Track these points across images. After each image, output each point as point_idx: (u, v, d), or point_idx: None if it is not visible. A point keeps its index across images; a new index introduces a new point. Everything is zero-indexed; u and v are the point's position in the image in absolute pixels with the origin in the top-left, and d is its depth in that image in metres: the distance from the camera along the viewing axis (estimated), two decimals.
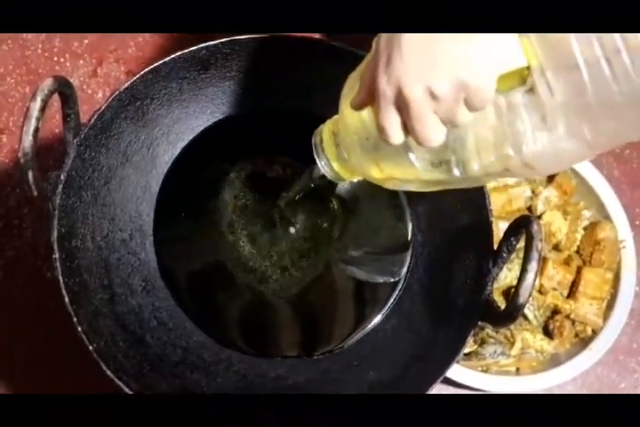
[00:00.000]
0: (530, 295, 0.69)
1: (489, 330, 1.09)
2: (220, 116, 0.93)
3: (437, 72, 0.50)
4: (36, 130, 0.68)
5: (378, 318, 0.89)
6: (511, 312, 0.70)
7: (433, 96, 0.51)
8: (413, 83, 0.51)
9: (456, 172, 0.61)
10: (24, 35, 1.30)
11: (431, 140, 0.54)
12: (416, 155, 0.62)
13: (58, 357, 1.10)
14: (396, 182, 0.69)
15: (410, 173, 0.65)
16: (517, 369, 1.11)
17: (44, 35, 1.30)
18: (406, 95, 0.52)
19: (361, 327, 0.89)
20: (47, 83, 0.69)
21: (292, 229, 0.90)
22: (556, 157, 0.55)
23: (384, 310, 0.89)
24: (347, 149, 0.69)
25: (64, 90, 0.73)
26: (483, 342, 1.09)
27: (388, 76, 0.52)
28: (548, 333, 1.12)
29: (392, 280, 0.90)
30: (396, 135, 0.56)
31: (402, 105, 0.53)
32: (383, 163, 0.66)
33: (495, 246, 0.80)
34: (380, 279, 0.91)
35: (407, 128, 0.55)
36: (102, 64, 1.30)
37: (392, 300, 0.89)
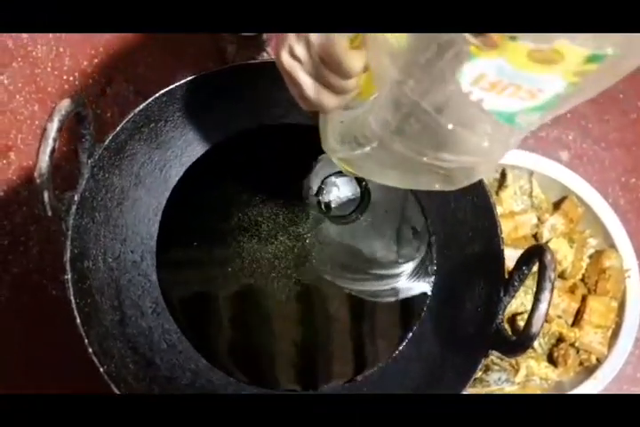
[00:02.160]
0: (542, 325, 0.69)
1: (493, 357, 1.09)
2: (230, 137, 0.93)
3: (294, 37, 0.57)
4: (53, 151, 0.68)
5: (389, 358, 0.89)
6: (523, 342, 0.70)
7: (294, 57, 0.58)
8: (281, 49, 0.59)
9: (358, 151, 0.62)
10: (34, 53, 1.31)
11: (318, 102, 0.60)
12: (332, 129, 0.66)
13: (60, 373, 1.11)
14: (346, 167, 0.70)
15: (332, 150, 0.67)
16: None
17: (54, 53, 1.31)
18: (279, 60, 0.59)
19: (374, 365, 0.88)
20: (65, 104, 0.69)
21: (303, 252, 0.90)
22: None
23: (398, 350, 0.89)
24: None
25: (80, 111, 0.73)
26: (487, 369, 1.09)
27: (274, 52, 0.61)
28: (552, 360, 1.12)
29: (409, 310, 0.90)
30: (300, 101, 0.62)
31: (282, 72, 0.60)
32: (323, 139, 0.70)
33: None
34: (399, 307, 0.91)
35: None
36: (111, 83, 1.31)
37: (406, 340, 0.89)
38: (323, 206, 0.89)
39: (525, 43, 0.47)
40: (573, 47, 0.47)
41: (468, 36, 0.47)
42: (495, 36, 0.47)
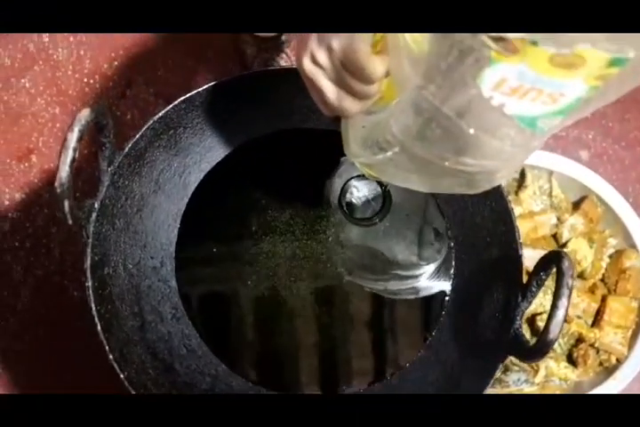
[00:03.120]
0: (560, 331, 0.69)
1: (512, 357, 1.09)
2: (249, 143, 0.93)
3: (316, 43, 0.57)
4: (73, 160, 0.69)
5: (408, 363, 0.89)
6: (541, 348, 0.70)
7: (316, 63, 0.57)
8: (303, 55, 0.58)
9: (380, 155, 0.62)
10: (55, 56, 1.32)
11: (340, 107, 0.60)
12: (354, 134, 0.65)
13: (81, 375, 1.12)
14: (368, 170, 0.70)
15: (354, 154, 0.67)
16: None
17: (74, 56, 1.32)
18: (301, 67, 0.59)
19: (393, 368, 0.88)
20: (84, 113, 0.70)
21: (323, 256, 0.90)
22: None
23: (417, 355, 0.89)
24: None
25: (100, 120, 0.73)
26: (506, 370, 1.09)
27: (296, 58, 0.60)
28: (572, 361, 1.12)
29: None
30: (322, 107, 0.62)
31: (304, 78, 0.60)
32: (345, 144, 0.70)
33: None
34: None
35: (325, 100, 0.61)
36: (131, 86, 1.31)
37: (425, 344, 0.89)
38: (345, 209, 0.90)
39: (547, 47, 0.47)
40: (595, 51, 0.47)
41: (488, 41, 0.47)
42: (516, 42, 0.47)
